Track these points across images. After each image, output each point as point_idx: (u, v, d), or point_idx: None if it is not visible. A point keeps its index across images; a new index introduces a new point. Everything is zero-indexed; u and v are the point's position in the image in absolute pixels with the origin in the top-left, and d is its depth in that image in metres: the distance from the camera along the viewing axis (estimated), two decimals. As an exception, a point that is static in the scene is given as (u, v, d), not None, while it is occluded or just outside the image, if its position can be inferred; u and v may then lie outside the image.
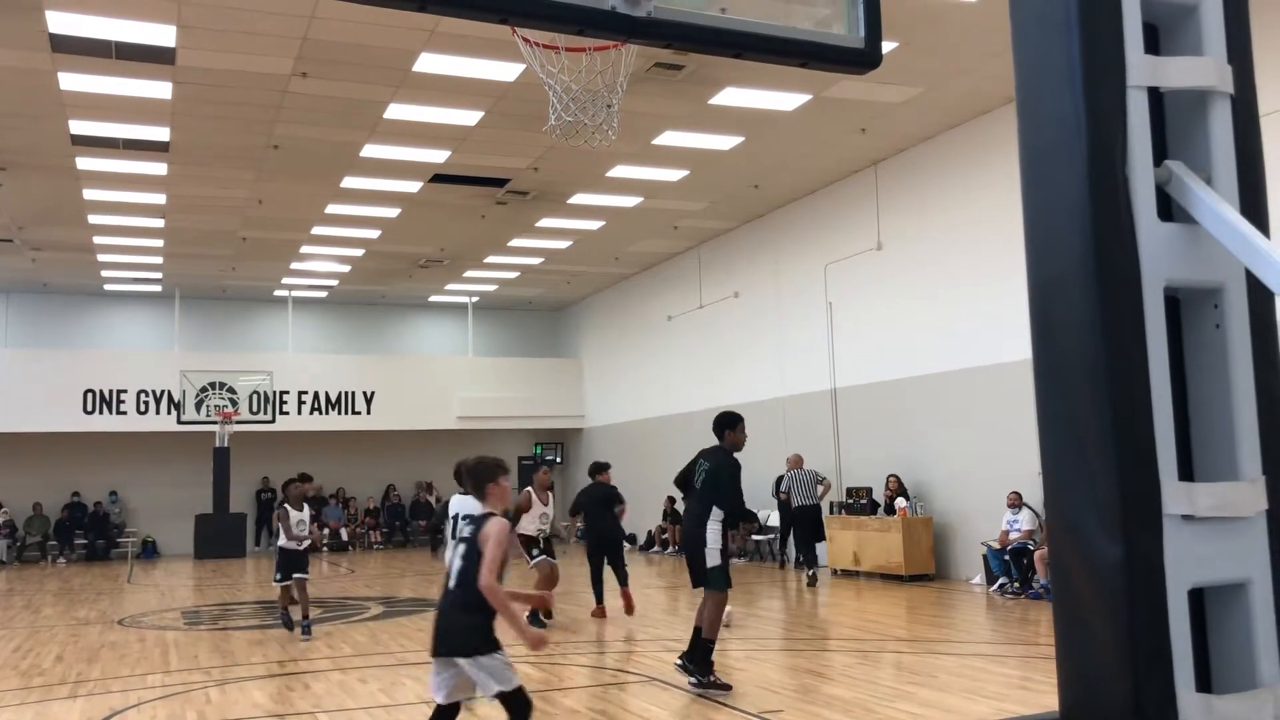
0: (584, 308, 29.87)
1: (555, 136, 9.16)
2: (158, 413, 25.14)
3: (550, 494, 12.43)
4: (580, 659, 9.69)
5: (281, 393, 26.11)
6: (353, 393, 27.01)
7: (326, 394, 26.75)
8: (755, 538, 20.11)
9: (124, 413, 24.93)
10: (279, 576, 11.46)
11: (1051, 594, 2.32)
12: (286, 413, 26.18)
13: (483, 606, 4.92)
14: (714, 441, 8.64)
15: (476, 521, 5.05)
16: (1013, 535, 13.92)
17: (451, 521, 6.61)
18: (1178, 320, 2.17)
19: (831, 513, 17.55)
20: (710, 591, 8.08)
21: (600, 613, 12.55)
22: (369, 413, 27.15)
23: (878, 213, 17.47)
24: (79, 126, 14.77)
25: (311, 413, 26.54)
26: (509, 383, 28.64)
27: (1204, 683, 2.04)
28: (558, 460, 30.98)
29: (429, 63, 12.79)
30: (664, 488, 23.16)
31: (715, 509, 8.19)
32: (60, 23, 11.47)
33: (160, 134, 15.14)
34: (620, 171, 17.46)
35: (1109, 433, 2.02)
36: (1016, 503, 14.02)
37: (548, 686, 8.33)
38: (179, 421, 25.04)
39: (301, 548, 11.45)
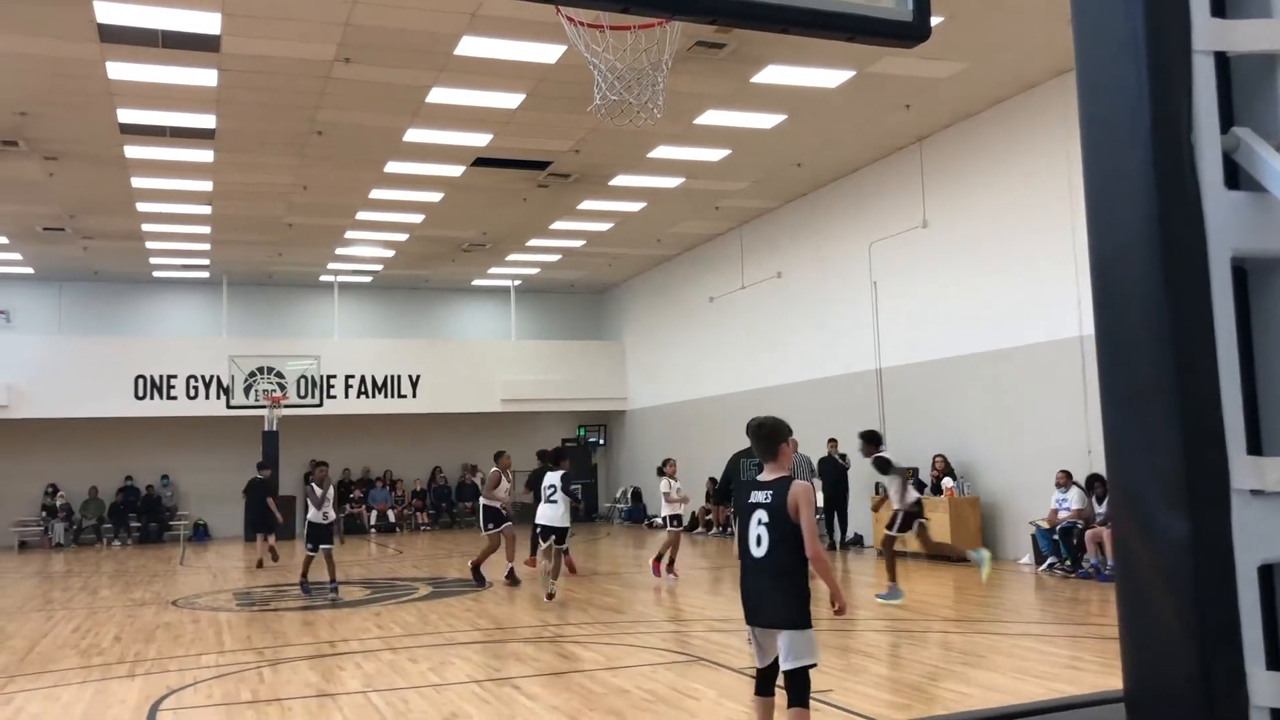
0: (626, 290, 29.86)
1: (600, 116, 9.13)
2: (207, 398, 25.52)
3: (512, 473, 14.69)
4: (628, 639, 9.72)
5: (329, 377, 26.39)
6: (398, 376, 27.24)
7: (373, 378, 27.00)
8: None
9: (174, 398, 25.33)
10: (310, 546, 13.52)
11: (1114, 572, 2.29)
12: (334, 396, 26.47)
13: (801, 574, 4.84)
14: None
15: (775, 486, 4.83)
16: (1061, 514, 13.77)
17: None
18: (1245, 291, 2.12)
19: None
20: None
21: (531, 563, 15.00)
22: (414, 396, 27.37)
23: (923, 190, 17.28)
24: (127, 115, 14.95)
25: (358, 396, 26.80)
26: (551, 366, 28.74)
27: (1275, 660, 1.99)
28: (601, 442, 31.10)
29: (471, 46, 12.80)
30: (707, 469, 23.16)
31: None
32: (108, 12, 11.61)
33: (206, 121, 15.29)
34: (661, 152, 17.40)
35: (1175, 407, 1.98)
36: (1065, 482, 13.86)
37: (596, 666, 8.37)
38: (228, 406, 25.38)
39: (326, 522, 13.45)
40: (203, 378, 25.50)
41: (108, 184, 18.30)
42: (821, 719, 6.40)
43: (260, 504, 18.82)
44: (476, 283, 29.40)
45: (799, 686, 4.86)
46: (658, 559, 14.78)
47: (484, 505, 14.41)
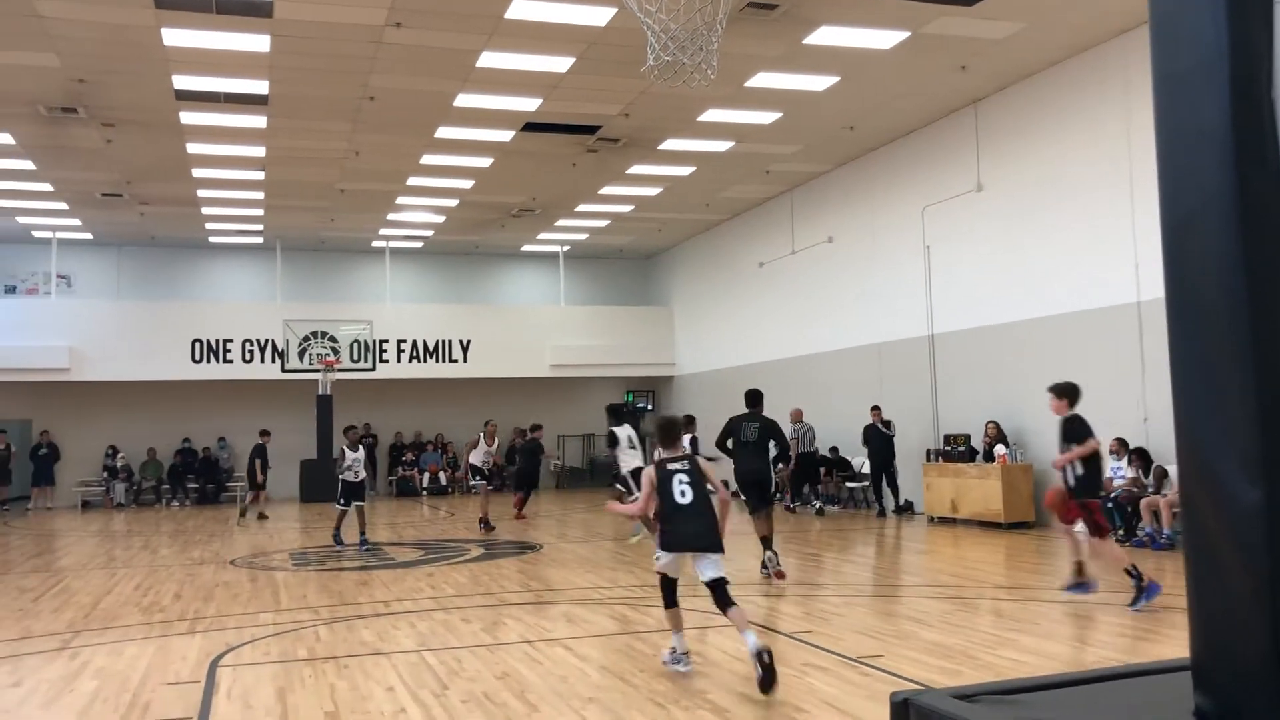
0: (674, 255, 29.77)
1: (654, 78, 9.06)
2: (262, 361, 25.90)
3: (495, 440, 17.72)
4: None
5: (381, 341, 26.66)
6: (449, 341, 27.45)
7: (424, 342, 27.23)
8: (849, 485, 19.97)
9: (230, 361, 25.74)
10: (342, 501, 14.91)
11: (1181, 540, 2.25)
12: (386, 361, 26.75)
13: (714, 515, 7.05)
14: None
15: (687, 459, 7.16)
16: (1117, 483, 13.59)
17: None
18: (1324, 255, 2.06)
19: (928, 460, 17.36)
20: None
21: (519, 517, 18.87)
22: (465, 361, 27.57)
23: (978, 153, 17.01)
24: (182, 81, 15.10)
25: (410, 361, 27.07)
26: (600, 331, 28.79)
27: (1348, 632, 1.95)
28: (649, 407, 31.15)
29: (521, 9, 12.74)
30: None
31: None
32: (163, -21, 11.69)
33: (259, 87, 15.40)
34: (712, 115, 17.26)
35: (1250, 376, 1.93)
36: (1120, 450, 13.67)
37: (644, 628, 8.43)
38: (283, 370, 25.75)
39: (358, 480, 14.86)
40: (258, 342, 25.88)
41: (163, 150, 18.53)
42: (871, 683, 6.40)
43: (253, 464, 21.36)
44: (526, 248, 29.47)
45: (725, 591, 6.78)
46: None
47: (470, 465, 18.18)
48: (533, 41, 13.89)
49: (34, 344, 24.40)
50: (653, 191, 22.67)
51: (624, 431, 15.01)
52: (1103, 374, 14.40)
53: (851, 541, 15.10)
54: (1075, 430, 9.18)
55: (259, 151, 18.79)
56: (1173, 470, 13.07)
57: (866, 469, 19.69)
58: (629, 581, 11.13)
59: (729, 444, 11.41)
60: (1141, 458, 13.45)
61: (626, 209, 24.46)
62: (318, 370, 25.24)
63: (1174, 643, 7.41)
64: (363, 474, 15.02)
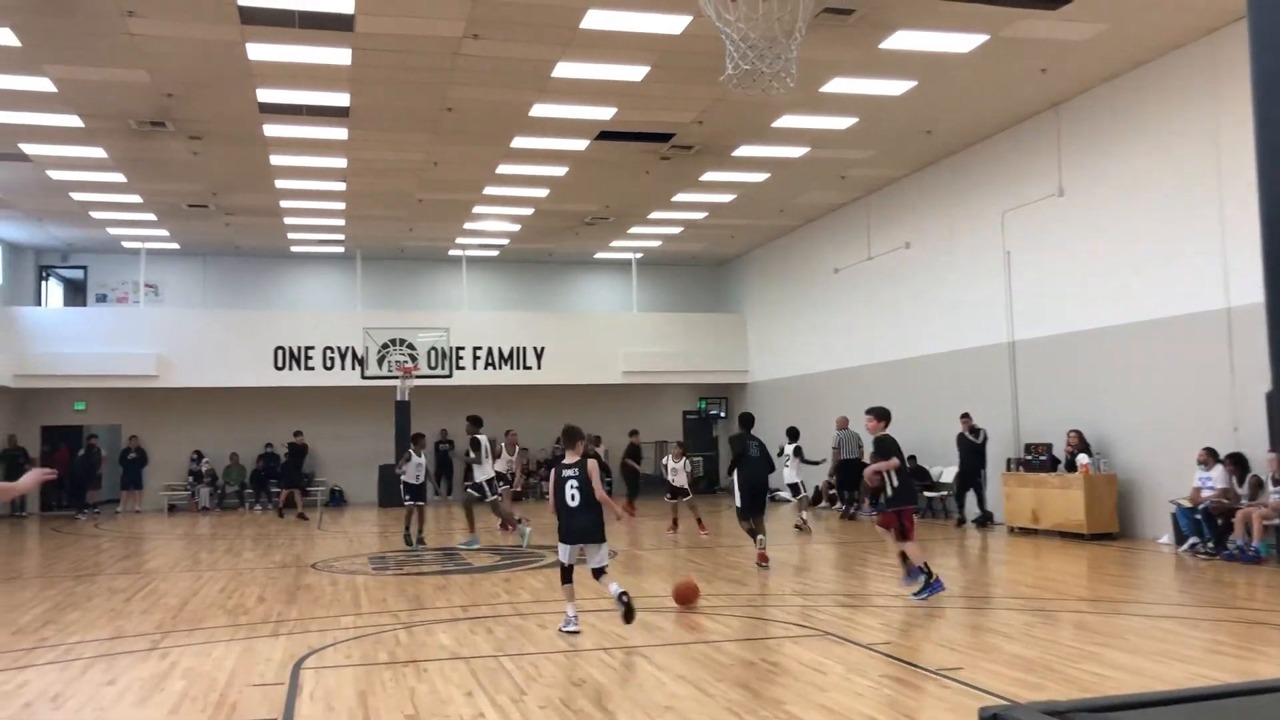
0: (748, 261, 29.68)
1: (732, 86, 9.04)
2: (343, 368, 26.41)
3: (516, 449, 18.38)
4: (753, 611, 9.73)
5: (457, 348, 27.00)
6: (524, 348, 27.70)
7: (499, 349, 27.52)
8: (928, 494, 19.69)
9: (311, 368, 26.29)
10: (408, 499, 16.25)
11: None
12: (462, 367, 27.08)
13: (599, 512, 8.65)
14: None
15: (578, 465, 8.65)
16: (1205, 493, 13.22)
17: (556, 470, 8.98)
18: None
19: (1008, 469, 17.06)
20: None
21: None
22: (539, 368, 27.80)
23: (1059, 157, 16.69)
24: (265, 95, 15.46)
25: (486, 368, 27.37)
26: (672, 338, 28.81)
27: None
28: (722, 414, 31.09)
29: (596, 19, 12.83)
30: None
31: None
32: (249, -5, 11.99)
33: (341, 100, 15.71)
34: (786, 121, 17.19)
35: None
36: (1208, 459, 13.29)
37: (722, 637, 8.41)
38: (363, 377, 26.20)
39: (419, 482, 16.22)
40: (338, 349, 26.40)
41: (248, 162, 18.99)
42: (951, 696, 6.31)
43: (296, 465, 22.85)
44: (599, 256, 29.62)
45: (602, 573, 8.67)
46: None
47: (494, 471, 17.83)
48: (608, 51, 13.98)
49: (124, 351, 25.17)
50: (726, 198, 22.64)
51: (484, 440, 16.17)
52: (1189, 382, 14.04)
53: (930, 552, 14.85)
54: (885, 448, 10.48)
55: (340, 163, 19.16)
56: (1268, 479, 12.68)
57: (945, 478, 19.44)
58: (704, 590, 11.11)
59: (735, 458, 13.58)
60: (1238, 465, 13.05)
61: (699, 216, 24.46)
62: (396, 377, 25.61)
63: (1271, 661, 7.19)
64: (423, 477, 16.34)
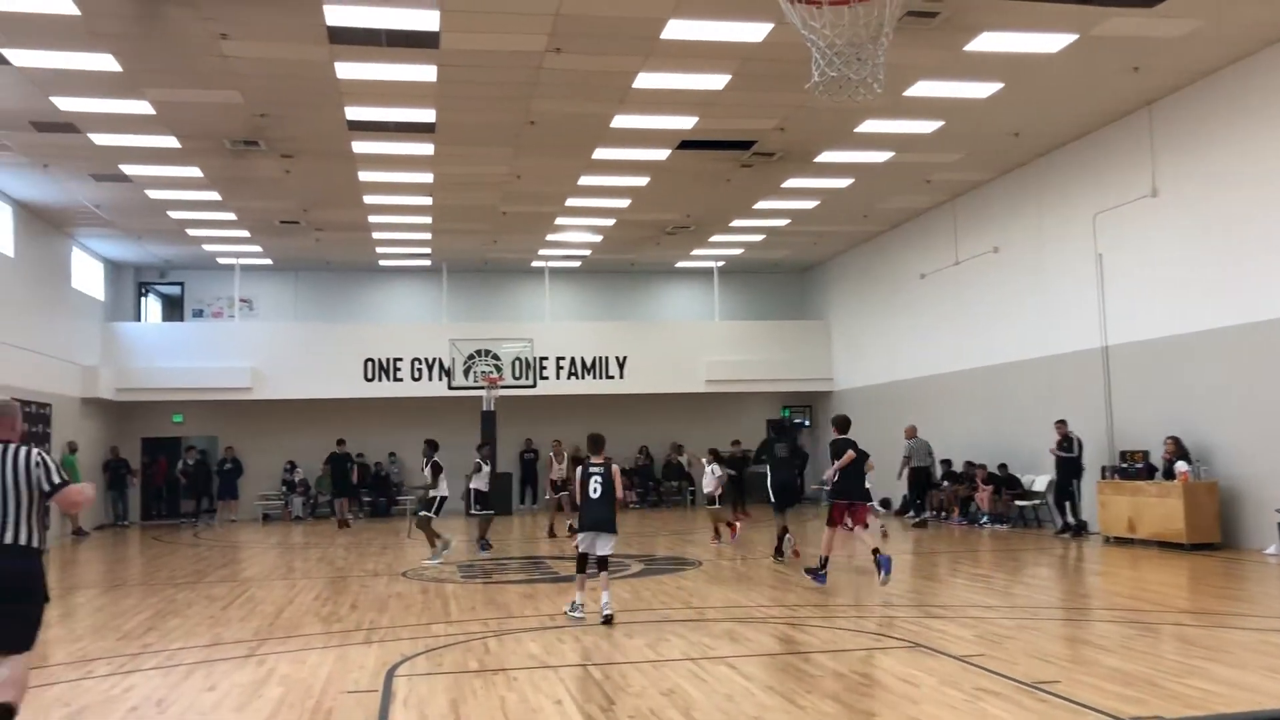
0: (831, 268, 29.42)
1: (819, 93, 8.96)
2: (430, 379, 26.84)
3: (565, 457, 19.12)
4: (842, 622, 9.63)
5: (541, 359, 27.24)
6: (606, 358, 27.84)
7: (582, 359, 27.70)
8: (1019, 503, 19.28)
9: (400, 380, 26.79)
10: (478, 508, 17.54)
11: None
12: (546, 377, 27.31)
13: (612, 507, 10.07)
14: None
15: (604, 465, 10.18)
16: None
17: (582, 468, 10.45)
18: None
19: (1103, 477, 16.64)
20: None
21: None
22: (622, 377, 27.91)
23: (1152, 156, 16.26)
24: (354, 113, 15.80)
25: (569, 377, 27.57)
26: (755, 346, 28.69)
27: None
28: (806, 423, 30.84)
29: (677, 29, 12.86)
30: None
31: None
32: (337, 15, 12.27)
33: (426, 116, 15.98)
34: (869, 126, 17.03)
35: None
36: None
37: (811, 649, 8.33)
38: (449, 387, 26.56)
39: (487, 490, 17.41)
40: (426, 360, 26.85)
41: (337, 178, 19.41)
42: (1049, 710, 6.17)
43: (341, 472, 23.89)
44: (680, 265, 29.64)
45: (606, 563, 9.92)
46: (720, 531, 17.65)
47: (550, 481, 20.16)
48: (689, 60, 14.00)
49: (220, 365, 25.93)
50: (809, 204, 22.49)
51: (444, 461, 16.58)
52: (1296, 386, 13.54)
53: (1022, 562, 14.58)
54: (838, 449, 12.31)
55: (426, 178, 19.48)
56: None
57: (1037, 486, 19.04)
58: (792, 601, 11.03)
59: (764, 457, 15.46)
60: None
61: (782, 223, 24.34)
62: (482, 387, 25.92)
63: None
64: (488, 486, 17.52)
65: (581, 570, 10.01)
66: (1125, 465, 16.19)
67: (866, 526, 12.12)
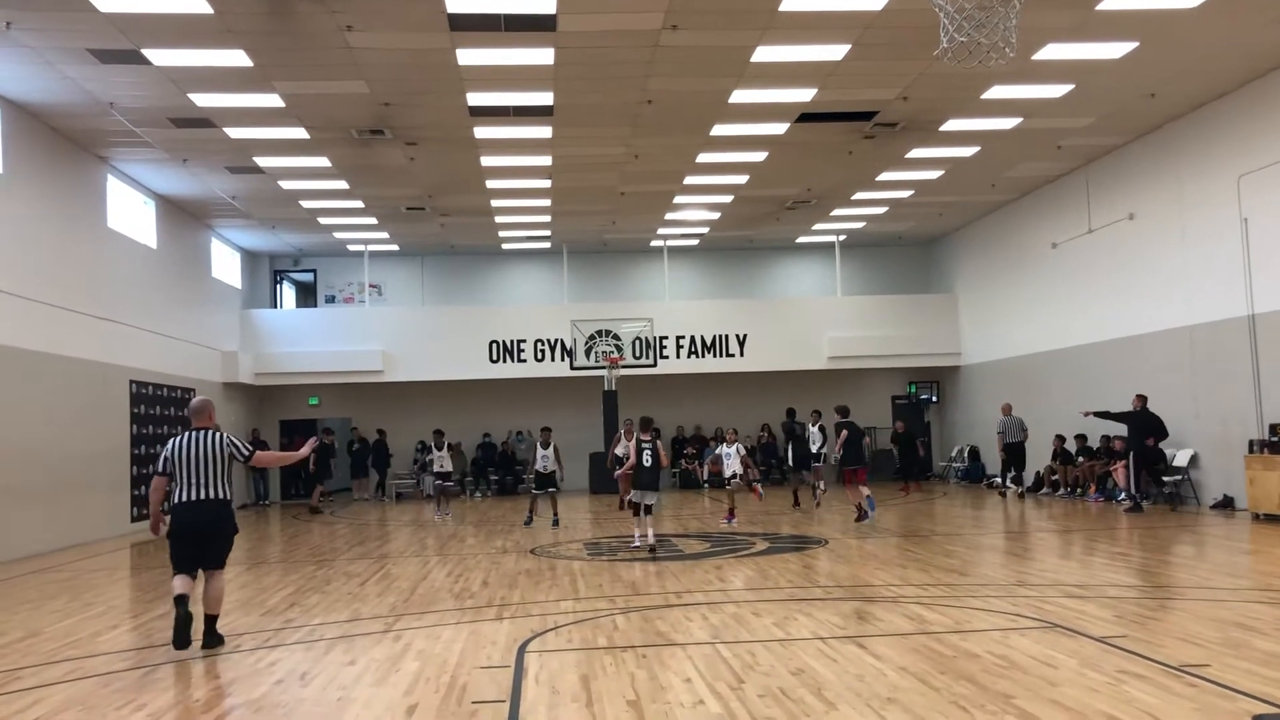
0: (957, 239, 28.70)
1: (948, 60, 8.71)
2: (553, 360, 27.22)
3: (634, 435, 18.50)
4: (974, 602, 9.41)
5: (661, 338, 27.30)
6: (726, 336, 27.77)
7: (702, 338, 27.68)
8: (1165, 479, 18.55)
9: (524, 361, 27.23)
10: (536, 488, 18.27)
11: None
12: (666, 357, 27.37)
13: (659, 473, 13.93)
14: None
15: (652, 439, 13.76)
16: None
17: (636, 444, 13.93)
18: None
19: (1251, 451, 15.89)
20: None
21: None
22: (742, 355, 27.80)
23: (1303, 113, 15.38)
24: (475, 98, 16.03)
25: (689, 356, 27.60)
26: (879, 321, 28.20)
27: None
28: (933, 399, 30.23)
29: (796, 0, 12.66)
30: (1054, 426, 22.06)
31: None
32: (457, 2, 12.46)
33: (545, 99, 16.11)
34: (996, 93, 16.52)
35: None
36: None
37: (943, 629, 8.17)
38: (571, 368, 26.86)
39: (547, 472, 17.98)
40: (548, 341, 27.23)
41: (460, 164, 19.75)
42: (1199, 695, 5.92)
43: (323, 461, 23.68)
44: (801, 240, 29.31)
45: (651, 510, 13.71)
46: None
47: (614, 455, 20.78)
48: (807, 31, 13.78)
49: (352, 349, 26.75)
50: (933, 175, 21.96)
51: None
52: None
53: (1164, 540, 14.04)
54: (838, 429, 17.53)
55: (545, 161, 19.67)
56: None
57: (1178, 461, 18.32)
58: (921, 580, 10.84)
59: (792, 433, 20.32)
60: None
61: (905, 194, 23.84)
62: (603, 367, 26.13)
63: None
64: (551, 467, 18.04)
65: (638, 514, 13.81)
66: (1275, 439, 15.42)
67: (864, 484, 16.99)
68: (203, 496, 8.24)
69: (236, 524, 8.66)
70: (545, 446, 18.20)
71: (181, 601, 7.99)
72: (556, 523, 17.98)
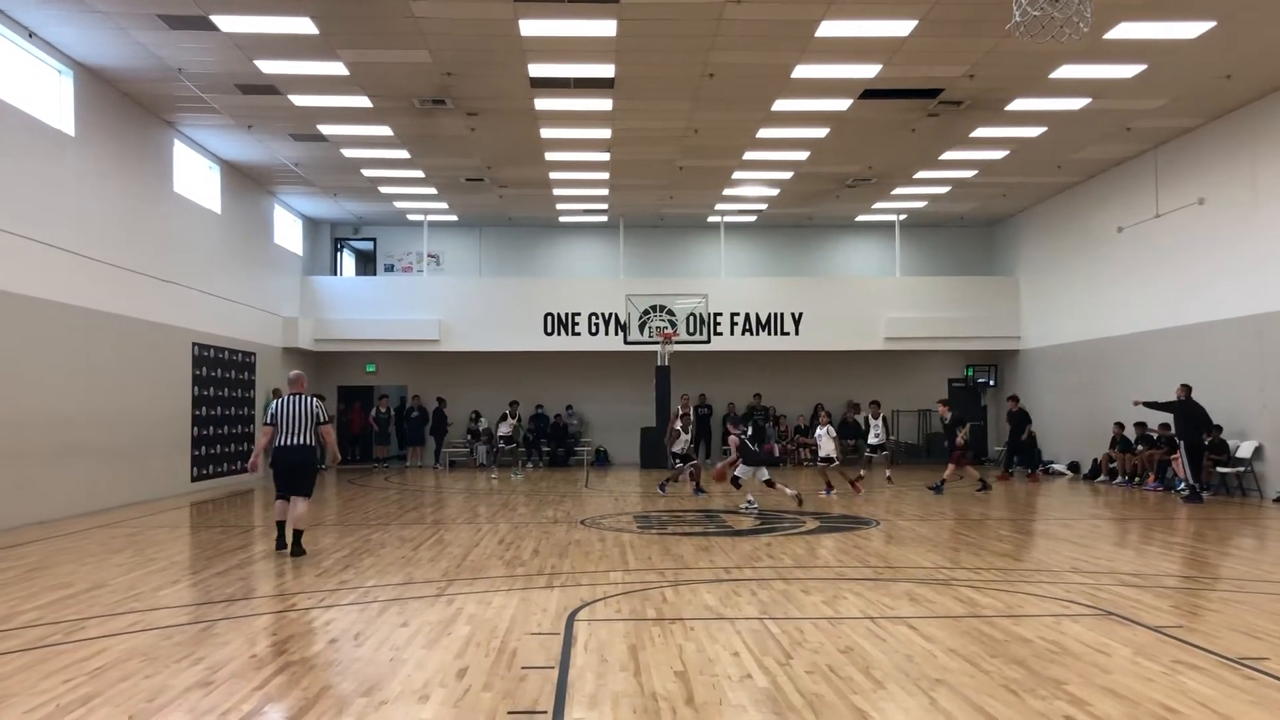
0: (1020, 221, 28.24)
1: (1019, 35, 8.53)
2: (607, 334, 27.26)
3: (686, 415, 19.93)
4: (1027, 587, 9.32)
5: (715, 314, 27.21)
6: (782, 314, 27.61)
7: (757, 315, 27.55)
8: (1221, 470, 18.20)
9: (578, 334, 27.31)
10: (680, 463, 19.04)
11: None
12: (720, 333, 27.27)
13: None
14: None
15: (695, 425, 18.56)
16: None
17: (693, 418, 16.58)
18: None
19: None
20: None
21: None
22: (797, 334, 27.63)
23: (1387, 97, 14.90)
24: (536, 70, 16.03)
25: (743, 333, 27.49)
26: (938, 303, 27.87)
27: None
28: (991, 383, 29.88)
29: (862, -26, 12.50)
30: (1113, 413, 21.73)
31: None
32: (521, -27, 12.43)
33: (606, 71, 16.07)
34: (1065, 72, 16.19)
35: None
36: None
37: (994, 612, 8.11)
38: (625, 342, 26.87)
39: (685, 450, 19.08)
40: (603, 315, 27.27)
41: (519, 135, 19.79)
42: (1257, 688, 5.82)
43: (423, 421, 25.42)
44: (860, 218, 29.02)
45: (772, 482, 16.04)
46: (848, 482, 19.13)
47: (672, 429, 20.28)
48: (873, 6, 13.60)
49: (409, 318, 27.01)
50: (998, 155, 21.62)
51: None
52: None
53: (1225, 532, 13.78)
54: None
55: (605, 133, 19.64)
56: None
57: (1242, 452, 17.95)
58: (973, 563, 10.75)
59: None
60: None
61: (969, 174, 23.49)
62: (657, 342, 26.13)
63: None
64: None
65: (735, 484, 16.11)
66: (1345, 432, 15.05)
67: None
68: (295, 443, 11.29)
69: (317, 464, 11.75)
70: (685, 431, 19.27)
71: (280, 526, 11.51)
72: (700, 490, 18.91)
